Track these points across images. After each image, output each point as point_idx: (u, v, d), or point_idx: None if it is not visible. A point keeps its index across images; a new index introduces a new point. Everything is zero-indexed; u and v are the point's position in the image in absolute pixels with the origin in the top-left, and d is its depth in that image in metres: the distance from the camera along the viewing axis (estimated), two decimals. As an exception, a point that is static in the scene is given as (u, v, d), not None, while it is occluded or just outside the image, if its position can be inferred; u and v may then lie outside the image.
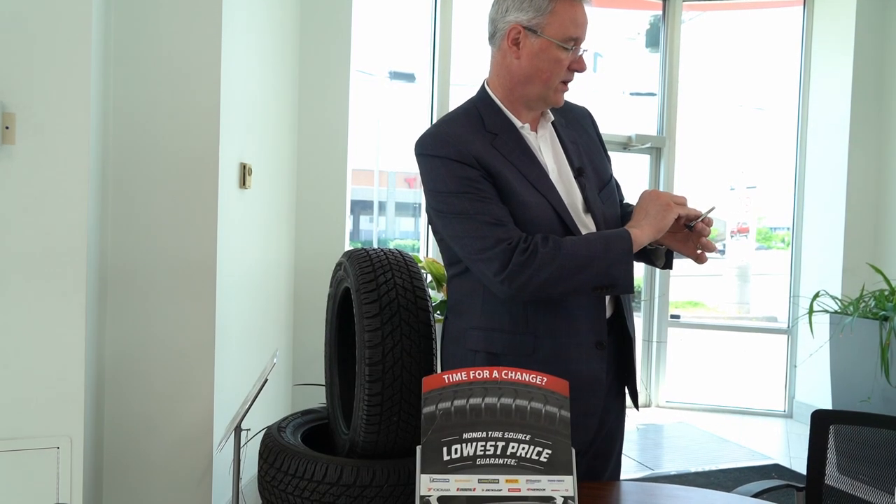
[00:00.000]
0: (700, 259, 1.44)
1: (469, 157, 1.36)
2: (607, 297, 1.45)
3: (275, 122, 3.12)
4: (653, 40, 4.73)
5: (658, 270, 4.46)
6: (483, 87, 1.51)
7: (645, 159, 4.57)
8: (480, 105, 1.48)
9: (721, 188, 8.34)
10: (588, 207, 1.45)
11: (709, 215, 1.42)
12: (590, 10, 1.42)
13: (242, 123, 2.57)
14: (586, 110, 1.63)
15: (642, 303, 4.57)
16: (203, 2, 2.25)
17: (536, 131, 1.49)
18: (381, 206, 6.42)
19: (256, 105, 2.78)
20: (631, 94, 5.04)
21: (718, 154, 7.02)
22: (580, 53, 1.41)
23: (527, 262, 1.31)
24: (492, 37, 1.46)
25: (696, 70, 4.79)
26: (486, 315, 1.43)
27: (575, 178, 1.46)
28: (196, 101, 2.26)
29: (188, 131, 2.26)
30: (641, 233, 1.37)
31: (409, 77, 4.86)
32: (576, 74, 1.44)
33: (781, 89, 4.78)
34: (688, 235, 1.44)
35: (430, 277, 3.39)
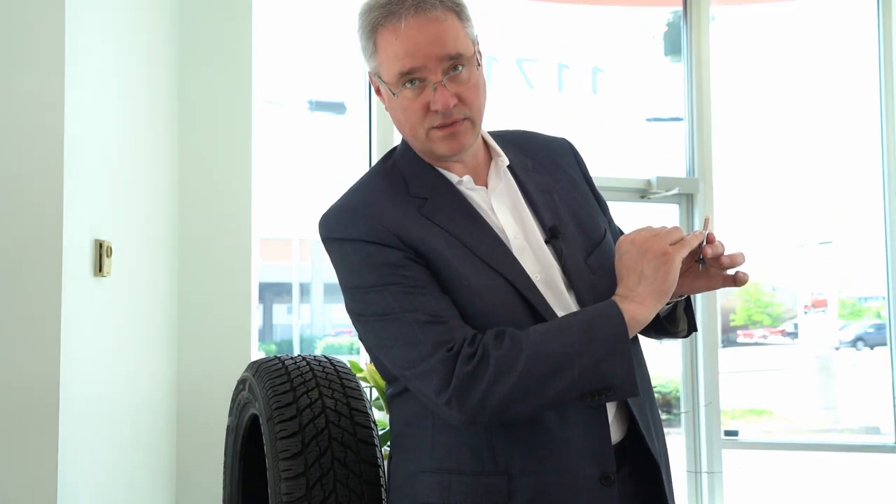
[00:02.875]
0: (739, 280, 1.44)
1: (387, 234, 1.41)
2: (612, 407, 1.47)
3: (145, 182, 3.14)
4: (673, 46, 4.94)
5: (699, 361, 4.52)
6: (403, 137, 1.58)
7: (672, 211, 4.68)
8: (402, 161, 1.54)
9: (784, 246, 8.53)
10: (570, 283, 1.47)
11: (709, 231, 1.43)
12: (479, 13, 1.48)
13: (97, 185, 2.59)
14: (566, 143, 1.69)
15: (682, 416, 4.58)
16: (39, 28, 2.30)
17: (486, 184, 1.53)
18: (304, 288, 6.39)
19: (118, 159, 2.81)
20: (648, 119, 5.21)
21: (775, 198, 7.22)
22: (433, 85, 1.41)
23: (476, 373, 1.31)
24: None
25: (737, 82, 4.98)
26: (439, 451, 1.44)
27: (546, 241, 1.49)
28: (29, 156, 2.28)
29: (17, 198, 2.27)
30: (640, 307, 1.36)
31: (338, 108, 4.97)
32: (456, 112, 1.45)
33: (854, 101, 4.97)
34: (701, 269, 1.44)
35: (374, 393, 3.37)
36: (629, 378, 1.33)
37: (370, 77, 1.52)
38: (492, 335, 1.34)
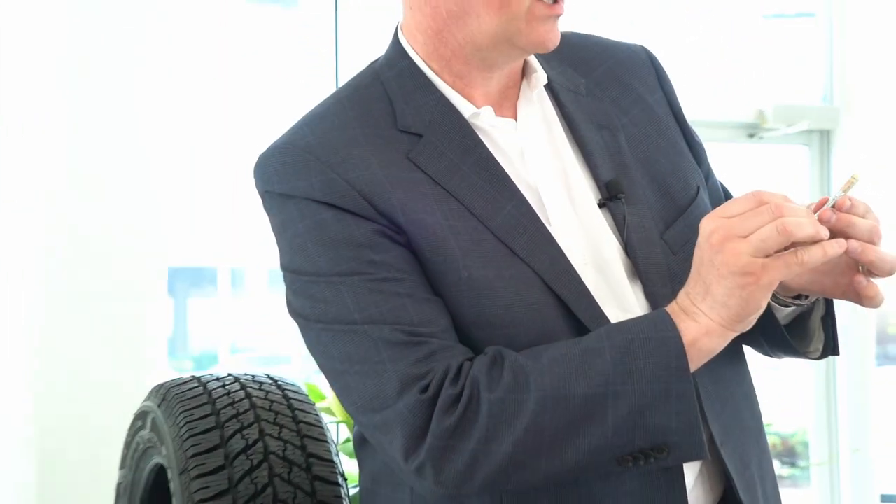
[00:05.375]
0: (865, 295, 1.35)
1: (351, 193, 1.39)
2: (696, 464, 1.46)
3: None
4: None
5: (839, 387, 4.54)
6: (395, 37, 1.56)
7: (799, 154, 4.67)
8: (390, 74, 1.53)
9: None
10: (635, 268, 1.46)
11: (847, 193, 1.31)
12: None
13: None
14: (641, 53, 1.69)
15: (813, 469, 4.61)
16: None
17: (515, 116, 1.53)
18: (236, 274, 6.42)
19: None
20: (765, 16, 5.19)
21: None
22: None
23: (460, 428, 1.30)
24: None
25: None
26: None
27: (600, 205, 1.49)
28: None
29: None
30: (705, 335, 1.29)
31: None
32: None
33: None
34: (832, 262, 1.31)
35: (343, 432, 3.39)
36: (693, 434, 1.29)
37: None
38: (484, 366, 1.32)
